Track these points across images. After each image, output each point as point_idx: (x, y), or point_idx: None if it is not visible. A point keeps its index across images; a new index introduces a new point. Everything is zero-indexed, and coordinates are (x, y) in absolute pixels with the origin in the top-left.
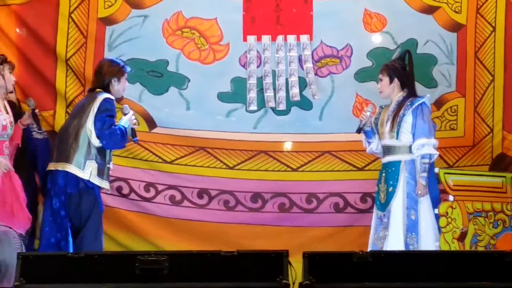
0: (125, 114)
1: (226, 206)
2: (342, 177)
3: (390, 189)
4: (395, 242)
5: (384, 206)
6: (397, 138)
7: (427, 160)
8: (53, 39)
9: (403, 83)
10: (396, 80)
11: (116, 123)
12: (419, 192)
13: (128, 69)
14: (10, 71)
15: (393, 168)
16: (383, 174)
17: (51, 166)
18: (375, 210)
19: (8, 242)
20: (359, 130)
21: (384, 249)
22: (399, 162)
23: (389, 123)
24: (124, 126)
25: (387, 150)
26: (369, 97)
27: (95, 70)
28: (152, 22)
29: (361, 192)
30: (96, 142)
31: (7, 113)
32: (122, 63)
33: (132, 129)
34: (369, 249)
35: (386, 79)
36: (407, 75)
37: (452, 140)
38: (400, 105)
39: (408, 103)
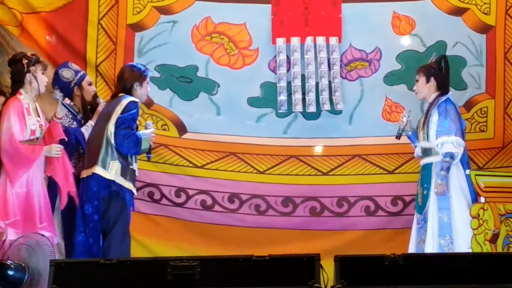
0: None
1: (257, 211)
2: (373, 181)
3: (425, 192)
4: (431, 244)
5: (421, 209)
6: (427, 139)
7: (448, 159)
8: (82, 46)
9: (439, 83)
10: (432, 79)
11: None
12: (436, 190)
13: (150, 73)
14: (43, 72)
15: (427, 171)
16: (420, 177)
17: (83, 174)
18: (415, 213)
19: (41, 250)
20: (398, 136)
21: (424, 252)
22: (431, 164)
23: (420, 125)
24: (140, 135)
25: (423, 152)
26: (399, 100)
27: (117, 76)
28: (181, 27)
29: (392, 195)
30: (114, 143)
31: (38, 116)
32: (143, 68)
33: (149, 145)
34: (409, 251)
35: (422, 79)
36: (443, 76)
37: (482, 142)
38: (430, 105)
39: (435, 103)
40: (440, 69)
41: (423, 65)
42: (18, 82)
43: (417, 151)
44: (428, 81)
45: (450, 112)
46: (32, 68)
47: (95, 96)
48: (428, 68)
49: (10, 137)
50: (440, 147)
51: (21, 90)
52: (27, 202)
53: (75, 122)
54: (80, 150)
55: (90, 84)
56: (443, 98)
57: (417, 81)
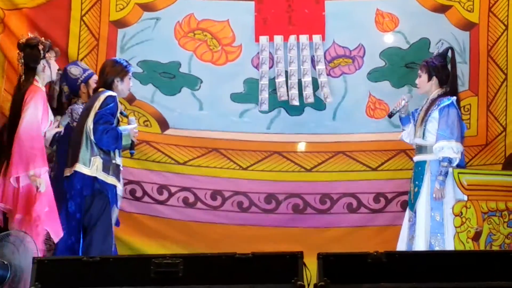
0: None
1: (239, 208)
2: (356, 177)
3: (416, 189)
4: (420, 242)
5: (412, 206)
6: (423, 137)
7: (445, 164)
8: (64, 42)
9: (441, 80)
10: (434, 78)
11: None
12: (434, 195)
13: (132, 69)
14: (55, 59)
15: (420, 168)
16: (412, 174)
17: (67, 172)
18: (407, 209)
19: (23, 247)
20: (390, 115)
21: (413, 249)
22: (425, 162)
23: (419, 121)
24: (121, 131)
25: (417, 149)
26: (382, 97)
27: (99, 71)
28: (164, 24)
29: (374, 192)
30: (93, 138)
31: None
32: (125, 63)
33: (132, 141)
34: (399, 249)
35: (424, 76)
36: (447, 73)
37: (466, 139)
38: (431, 103)
39: (437, 103)
40: (444, 65)
41: (426, 59)
42: (31, 69)
43: (403, 136)
44: (430, 78)
45: (452, 116)
46: (47, 55)
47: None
48: (431, 64)
49: (36, 128)
50: (439, 151)
51: (37, 77)
52: (49, 196)
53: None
54: None
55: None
56: (447, 101)
57: (419, 76)
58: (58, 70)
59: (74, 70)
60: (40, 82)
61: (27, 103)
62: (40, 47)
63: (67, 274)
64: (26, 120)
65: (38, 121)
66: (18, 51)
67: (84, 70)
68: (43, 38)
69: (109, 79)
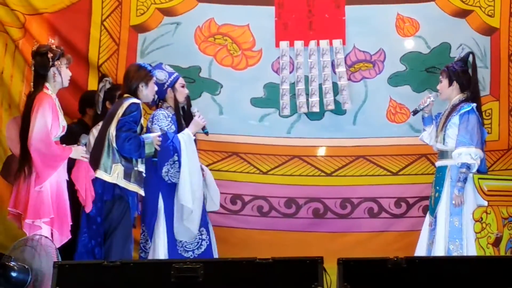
0: None
1: (259, 212)
2: (376, 182)
3: (436, 194)
4: (439, 248)
5: (433, 211)
6: (443, 142)
7: (464, 170)
8: (85, 47)
9: (462, 86)
10: (455, 83)
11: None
12: (454, 202)
13: (156, 73)
14: (67, 66)
15: (441, 173)
16: (434, 179)
17: None
18: (427, 214)
19: (44, 251)
20: (414, 113)
21: (432, 254)
22: (446, 167)
23: (440, 126)
24: (143, 139)
25: (439, 154)
26: (403, 102)
27: (124, 76)
28: (184, 29)
29: (396, 197)
30: (115, 145)
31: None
32: (149, 68)
33: (155, 149)
34: (417, 253)
35: (445, 81)
36: (467, 78)
37: (487, 143)
38: (452, 109)
39: (458, 109)
40: (465, 70)
41: (447, 65)
42: (42, 76)
43: (423, 136)
44: (450, 84)
45: (472, 122)
46: (57, 62)
47: (187, 98)
48: (452, 69)
49: (46, 135)
50: (457, 157)
51: (47, 85)
52: (59, 201)
53: (173, 126)
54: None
55: (183, 86)
56: (467, 107)
57: (440, 81)
58: (104, 78)
59: (160, 75)
60: (51, 89)
61: (35, 111)
62: (50, 55)
63: (87, 278)
64: (36, 128)
65: (48, 127)
66: (30, 59)
67: (170, 74)
68: (54, 46)
69: (133, 84)
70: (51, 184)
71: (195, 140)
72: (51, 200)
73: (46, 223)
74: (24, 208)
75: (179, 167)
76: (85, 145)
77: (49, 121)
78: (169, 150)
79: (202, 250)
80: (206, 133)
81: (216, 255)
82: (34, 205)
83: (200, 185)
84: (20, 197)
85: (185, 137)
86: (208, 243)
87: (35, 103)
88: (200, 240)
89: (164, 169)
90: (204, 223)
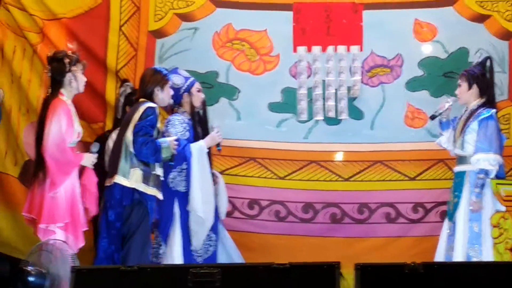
0: None
1: (277, 217)
2: (394, 187)
3: (455, 200)
4: (458, 253)
5: (451, 216)
6: (462, 148)
7: (482, 175)
8: (103, 52)
9: (482, 90)
10: (475, 86)
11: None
12: (472, 207)
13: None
14: (82, 71)
15: (459, 178)
16: (453, 184)
17: (107, 182)
18: (446, 219)
19: (61, 255)
20: (432, 117)
21: (451, 260)
22: (464, 172)
23: (458, 131)
24: (160, 143)
25: (457, 159)
26: (421, 107)
27: (140, 80)
28: (202, 34)
29: (413, 202)
30: (132, 150)
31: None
32: (165, 72)
33: (171, 153)
34: (437, 259)
35: (464, 85)
36: (486, 82)
37: (505, 149)
38: (471, 113)
39: (477, 114)
40: (484, 74)
41: (467, 69)
42: (58, 82)
43: (441, 140)
44: (470, 87)
45: (490, 128)
46: (73, 68)
47: (203, 103)
48: (471, 73)
49: (61, 141)
50: (476, 163)
51: (62, 90)
52: (73, 206)
53: (187, 133)
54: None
55: (199, 91)
56: (486, 113)
57: (459, 85)
58: (125, 83)
59: (176, 79)
60: (66, 95)
61: (50, 117)
62: (66, 60)
63: (105, 283)
64: (52, 133)
65: (62, 133)
66: (46, 64)
67: (186, 79)
68: (70, 51)
69: (149, 89)
70: (65, 189)
71: (208, 153)
72: (66, 205)
73: (60, 228)
74: (38, 213)
75: (186, 176)
76: (97, 152)
77: (64, 127)
78: (179, 157)
79: (209, 254)
80: (219, 150)
81: (240, 259)
82: (48, 210)
83: (212, 195)
84: (34, 202)
85: (198, 148)
86: (214, 249)
87: (50, 109)
88: (208, 246)
89: (171, 176)
90: (214, 228)
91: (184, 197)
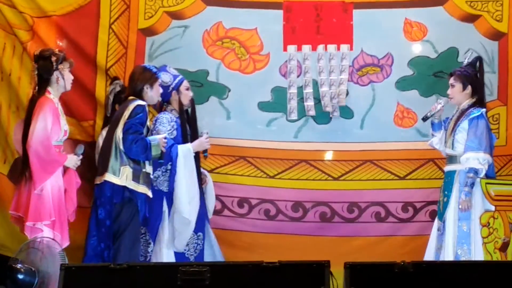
0: None
1: (266, 216)
2: (384, 186)
3: (445, 199)
4: (448, 253)
5: (441, 216)
6: (452, 147)
7: (471, 175)
8: (93, 50)
9: (474, 90)
10: (469, 87)
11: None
12: (461, 206)
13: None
14: (70, 69)
15: (449, 178)
16: (443, 183)
17: (97, 180)
18: (436, 219)
19: (50, 253)
20: (424, 118)
21: (440, 259)
22: (455, 172)
23: (449, 131)
24: (150, 141)
25: (447, 158)
26: (411, 106)
27: (129, 78)
28: (192, 32)
29: (403, 202)
30: (122, 148)
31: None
32: (154, 70)
33: (161, 151)
34: (426, 258)
35: (459, 86)
36: (479, 82)
37: (494, 149)
38: (462, 113)
39: (467, 114)
40: (476, 74)
41: (459, 70)
42: (45, 80)
43: (433, 142)
44: (464, 88)
45: (481, 128)
46: (60, 66)
47: (192, 101)
48: (466, 74)
49: (46, 138)
50: (465, 162)
51: (49, 89)
52: (60, 204)
53: (174, 132)
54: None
55: (187, 89)
56: (477, 113)
57: (452, 86)
58: (115, 81)
59: (165, 77)
60: (53, 93)
61: (36, 115)
62: (53, 58)
63: (94, 281)
64: (37, 131)
65: (48, 131)
66: (33, 62)
67: (174, 77)
68: (57, 49)
69: (138, 86)
70: (52, 187)
71: (197, 153)
72: (52, 203)
73: (47, 226)
74: (25, 211)
75: (170, 177)
76: (82, 154)
77: (50, 125)
78: (165, 157)
79: (197, 253)
80: (206, 156)
81: (221, 258)
82: (35, 208)
83: (197, 197)
84: (21, 200)
85: (185, 150)
86: (201, 248)
87: (36, 107)
88: (197, 244)
89: (155, 174)
90: (201, 227)
91: (169, 197)
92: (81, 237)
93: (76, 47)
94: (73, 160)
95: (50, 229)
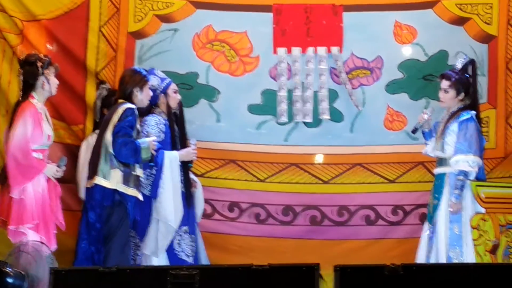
0: None
1: (257, 219)
2: (373, 190)
3: (435, 202)
4: (439, 255)
5: (431, 219)
6: (442, 150)
7: (461, 177)
8: (83, 53)
9: (466, 95)
10: (462, 94)
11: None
12: (451, 209)
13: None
14: (55, 74)
15: (439, 181)
16: (433, 186)
17: (87, 184)
18: (426, 222)
19: (40, 257)
20: (413, 131)
21: (431, 262)
22: (444, 174)
23: (438, 134)
24: (140, 144)
25: (437, 161)
26: (400, 109)
27: (119, 81)
28: (182, 35)
29: (392, 205)
30: (112, 151)
31: (48, 120)
32: (144, 72)
33: (152, 154)
34: (417, 261)
35: (452, 92)
36: (472, 87)
37: (484, 151)
38: (451, 116)
39: (457, 116)
40: (468, 78)
41: (454, 74)
42: (30, 85)
43: (427, 150)
44: (458, 95)
45: (470, 130)
46: (45, 71)
47: (180, 104)
48: (461, 81)
49: (24, 144)
50: (455, 164)
51: (33, 94)
52: (44, 209)
53: (162, 134)
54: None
55: (175, 92)
56: (467, 115)
57: (445, 91)
58: (101, 85)
59: (153, 80)
60: (37, 98)
61: (16, 120)
62: (39, 64)
63: (84, 285)
64: (16, 136)
65: (27, 136)
66: (18, 67)
67: (162, 80)
68: (42, 54)
69: (128, 89)
70: (35, 192)
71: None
72: (35, 207)
73: (31, 229)
74: (7, 215)
75: (154, 181)
76: (65, 166)
77: (30, 130)
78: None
79: (193, 254)
80: (190, 167)
81: (207, 261)
82: (17, 211)
83: (181, 203)
84: (4, 204)
85: (172, 158)
86: (196, 249)
87: (18, 112)
88: (191, 246)
89: None
90: (193, 230)
91: (150, 202)
92: (71, 240)
93: (65, 51)
94: (52, 170)
95: (34, 232)
